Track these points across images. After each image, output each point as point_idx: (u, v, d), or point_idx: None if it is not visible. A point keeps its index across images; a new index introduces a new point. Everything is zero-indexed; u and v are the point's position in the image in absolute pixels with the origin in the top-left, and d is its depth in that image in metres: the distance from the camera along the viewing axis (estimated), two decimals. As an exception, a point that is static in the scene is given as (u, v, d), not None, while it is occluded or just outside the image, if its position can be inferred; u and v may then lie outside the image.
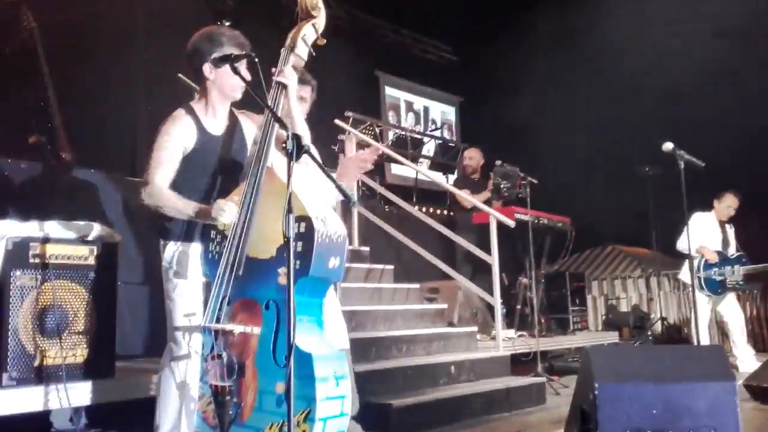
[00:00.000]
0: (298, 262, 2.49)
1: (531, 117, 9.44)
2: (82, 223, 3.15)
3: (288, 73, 2.64)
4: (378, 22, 10.24)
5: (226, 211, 2.48)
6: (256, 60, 2.43)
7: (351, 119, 7.08)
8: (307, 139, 2.61)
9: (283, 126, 2.28)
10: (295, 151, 2.15)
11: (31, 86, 4.98)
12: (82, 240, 3.07)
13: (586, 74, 9.02)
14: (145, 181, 2.59)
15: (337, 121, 6.18)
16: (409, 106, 10.61)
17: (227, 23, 8.32)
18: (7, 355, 2.79)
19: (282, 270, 2.53)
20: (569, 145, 9.28)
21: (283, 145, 2.16)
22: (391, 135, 8.63)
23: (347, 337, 3.31)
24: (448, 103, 11.31)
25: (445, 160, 8.60)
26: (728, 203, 6.50)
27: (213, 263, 2.65)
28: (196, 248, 2.68)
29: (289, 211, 2.13)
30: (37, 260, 2.90)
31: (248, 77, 2.59)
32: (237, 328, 2.53)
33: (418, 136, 8.51)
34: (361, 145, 6.22)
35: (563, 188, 9.01)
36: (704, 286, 6.24)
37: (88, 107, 5.82)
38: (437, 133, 9.78)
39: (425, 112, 10.85)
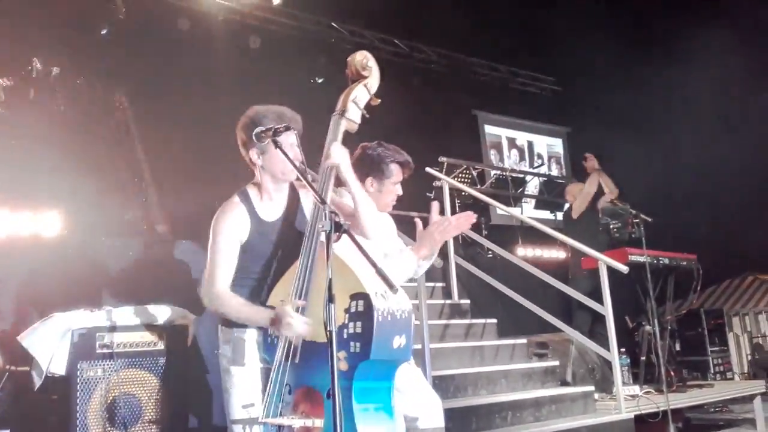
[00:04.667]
0: (357, 344, 2.26)
1: (646, 144, 8.74)
2: (150, 307, 3.08)
3: (335, 153, 2.45)
4: (473, 61, 10.00)
5: (293, 325, 2.29)
6: (295, 133, 2.24)
7: (445, 164, 6.82)
8: (372, 210, 2.41)
9: (322, 202, 2.06)
10: (332, 230, 1.92)
11: (125, 164, 5.18)
12: (151, 325, 2.99)
13: (702, 96, 8.26)
14: (206, 283, 2.46)
15: (428, 170, 5.92)
16: (512, 143, 10.21)
17: (320, 80, 8.46)
18: (76, 452, 2.72)
19: (342, 354, 2.29)
20: (692, 170, 8.49)
21: (320, 225, 1.94)
22: (492, 174, 8.27)
23: (441, 412, 2.97)
24: (555, 135, 10.79)
25: (551, 198, 8.09)
26: None
27: (272, 348, 2.44)
28: (252, 334, 2.50)
29: (330, 300, 1.88)
30: (104, 350, 2.84)
31: (298, 155, 2.41)
32: (296, 423, 2.31)
33: (520, 175, 8.08)
34: (463, 194, 5.91)
35: (690, 218, 8.23)
36: None
37: (184, 178, 5.95)
38: (542, 170, 9.28)
39: (529, 147, 10.39)
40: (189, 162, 6.07)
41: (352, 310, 2.27)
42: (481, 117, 9.92)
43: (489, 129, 9.99)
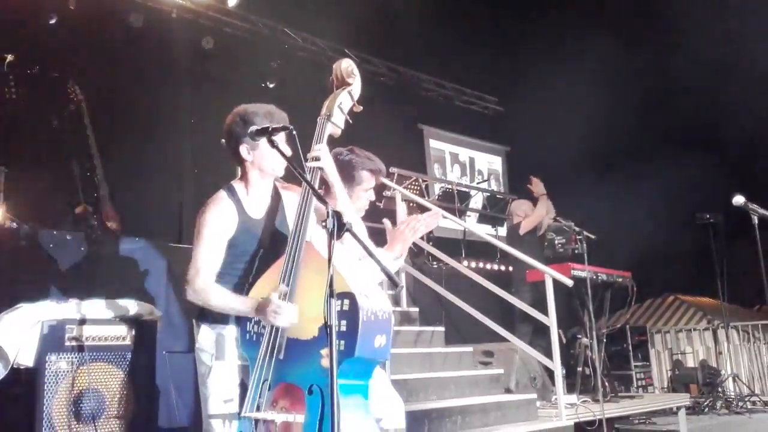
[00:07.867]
0: (342, 342, 2.31)
1: (581, 165, 9.18)
2: (120, 301, 3.05)
3: (322, 156, 2.52)
4: (420, 77, 10.23)
5: (282, 315, 2.31)
6: (294, 132, 2.30)
7: (396, 175, 6.95)
8: (348, 215, 2.46)
9: (323, 201, 2.13)
10: (335, 229, 1.99)
11: (77, 157, 5.05)
12: (120, 319, 2.96)
13: (639, 119, 8.76)
14: (191, 276, 2.46)
15: (382, 179, 6.03)
16: (455, 158, 10.47)
17: (271, 85, 8.44)
18: (39, 445, 2.66)
19: (325, 351, 2.34)
20: (624, 191, 8.96)
21: (323, 223, 2.01)
22: (437, 189, 8.48)
23: (403, 413, 3.06)
24: (494, 153, 11.13)
25: (493, 213, 8.36)
26: None
27: (251, 345, 2.48)
28: (231, 330, 2.53)
29: (331, 295, 1.95)
30: (73, 343, 2.80)
31: (288, 151, 2.46)
32: (278, 417, 2.34)
33: (465, 189, 8.32)
34: (411, 205, 6.06)
35: (618, 237, 8.66)
36: None
37: (135, 175, 5.85)
38: (485, 185, 9.56)
39: (471, 163, 10.68)
40: (142, 158, 5.97)
41: (338, 308, 2.34)
42: (426, 131, 10.13)
43: (433, 143, 10.22)
